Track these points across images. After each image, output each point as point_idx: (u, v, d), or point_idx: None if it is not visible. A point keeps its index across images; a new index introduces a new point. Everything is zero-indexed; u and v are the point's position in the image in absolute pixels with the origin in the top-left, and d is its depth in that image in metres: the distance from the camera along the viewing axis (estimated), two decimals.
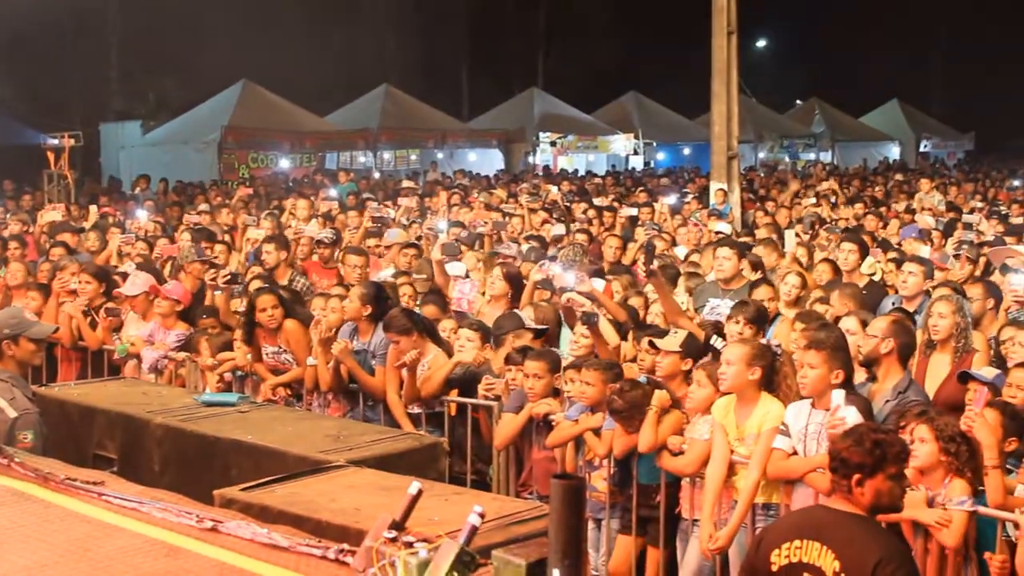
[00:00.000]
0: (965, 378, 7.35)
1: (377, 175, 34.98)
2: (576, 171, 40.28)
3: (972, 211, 20.02)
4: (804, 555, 4.75)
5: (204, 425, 7.10)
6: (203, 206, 20.58)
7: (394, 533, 3.72)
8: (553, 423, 7.99)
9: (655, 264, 10.84)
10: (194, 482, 5.99)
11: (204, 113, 35.31)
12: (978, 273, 11.98)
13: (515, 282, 10.82)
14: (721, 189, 20.83)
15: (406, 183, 29.30)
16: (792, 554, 4.78)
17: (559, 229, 15.28)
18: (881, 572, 4.57)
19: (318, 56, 41.79)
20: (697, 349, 8.08)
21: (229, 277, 11.10)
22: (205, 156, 33.09)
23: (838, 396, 6.55)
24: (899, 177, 32.50)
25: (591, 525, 7.75)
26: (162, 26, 39.36)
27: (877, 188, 28.34)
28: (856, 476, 4.74)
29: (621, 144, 43.77)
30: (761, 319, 8.83)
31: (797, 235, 13.80)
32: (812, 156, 48.53)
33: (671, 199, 20.78)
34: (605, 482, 7.78)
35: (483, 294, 11.11)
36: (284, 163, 34.75)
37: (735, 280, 10.81)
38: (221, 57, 35.96)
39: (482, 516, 3.60)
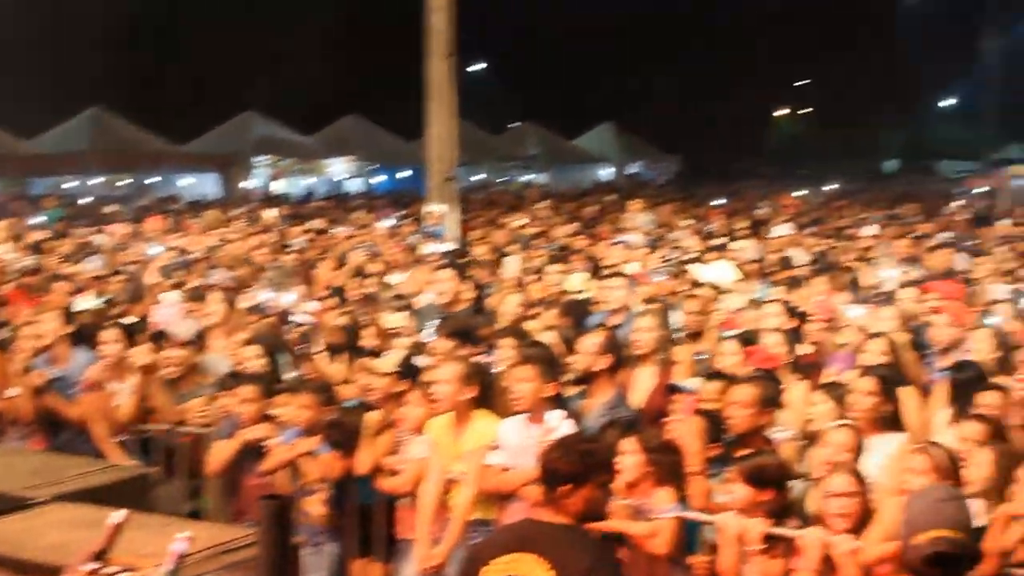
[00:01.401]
0: (672, 390, 7.66)
1: (88, 200, 33.77)
2: (298, 194, 40.00)
3: (679, 229, 20.90)
4: (518, 568, 4.77)
5: None
6: None
7: (95, 564, 3.60)
8: (267, 448, 7.90)
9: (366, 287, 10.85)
10: None
11: None
12: (685, 288, 12.47)
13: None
14: (435, 211, 21.00)
15: (114, 208, 28.41)
16: (506, 567, 4.81)
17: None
18: None
19: (23, 76, 40.06)
20: (414, 370, 8.14)
21: None
22: None
23: (554, 417, 6.72)
24: (611, 198, 33.53)
25: (310, 549, 7.66)
26: None
27: (589, 209, 29.13)
28: (566, 486, 4.80)
29: (340, 167, 43.66)
30: (465, 335, 8.91)
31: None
32: (528, 178, 49.58)
33: (388, 222, 20.89)
34: (322, 506, 7.73)
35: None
36: None
37: (455, 303, 10.89)
38: None
39: (189, 541, 3.53)
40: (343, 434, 7.42)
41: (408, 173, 47.04)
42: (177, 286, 12.46)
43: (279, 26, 53.53)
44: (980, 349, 8.60)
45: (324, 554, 7.75)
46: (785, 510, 6.20)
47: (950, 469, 6.08)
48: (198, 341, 9.41)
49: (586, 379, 7.91)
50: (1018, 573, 5.61)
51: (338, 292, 12.32)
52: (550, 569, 4.66)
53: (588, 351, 7.86)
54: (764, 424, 7.05)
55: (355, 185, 44.83)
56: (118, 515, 3.78)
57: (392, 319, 10.19)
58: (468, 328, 9.03)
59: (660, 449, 6.62)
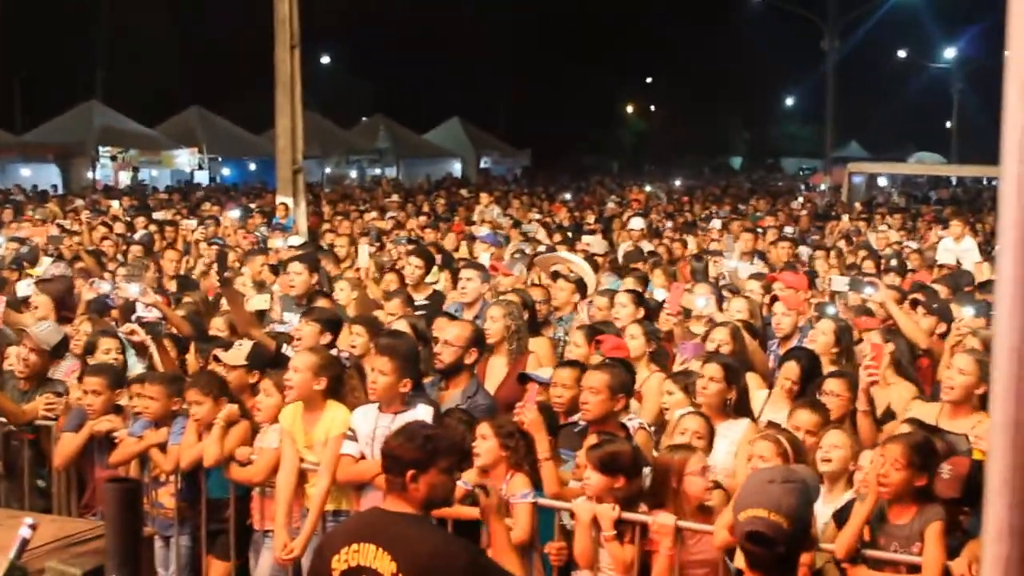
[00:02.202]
0: (524, 379, 7.73)
1: None
2: (142, 184, 39.26)
3: (531, 222, 21.11)
4: (362, 558, 4.74)
5: None
6: None
7: None
8: (116, 440, 7.77)
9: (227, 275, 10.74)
10: None
11: None
12: (536, 279, 12.61)
13: (59, 300, 10.47)
14: (284, 203, 20.85)
15: None
16: (351, 558, 4.76)
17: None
18: (435, 568, 4.66)
19: None
20: (264, 360, 8.08)
21: None
22: None
23: (422, 412, 6.74)
24: (464, 192, 33.76)
25: (159, 543, 7.56)
26: None
27: (440, 202, 29.25)
28: (410, 472, 4.78)
29: (185, 159, 42.99)
30: (332, 322, 8.88)
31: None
32: (378, 171, 49.48)
33: (236, 213, 20.65)
34: (173, 498, 7.64)
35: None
36: None
37: (306, 295, 10.81)
38: None
39: (33, 528, 3.48)
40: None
41: (254, 166, 46.68)
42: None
43: (122, 16, 52.44)
44: (820, 341, 8.84)
45: (175, 547, 7.67)
46: (638, 496, 6.32)
47: (794, 454, 6.29)
48: (59, 349, 9.14)
49: (450, 372, 7.92)
50: (867, 553, 5.83)
51: (185, 282, 12.17)
52: (391, 560, 4.65)
53: (456, 343, 7.88)
54: (617, 411, 7.16)
55: (203, 177, 44.19)
56: None
57: (255, 301, 10.06)
58: (333, 316, 9.00)
59: (514, 435, 6.68)
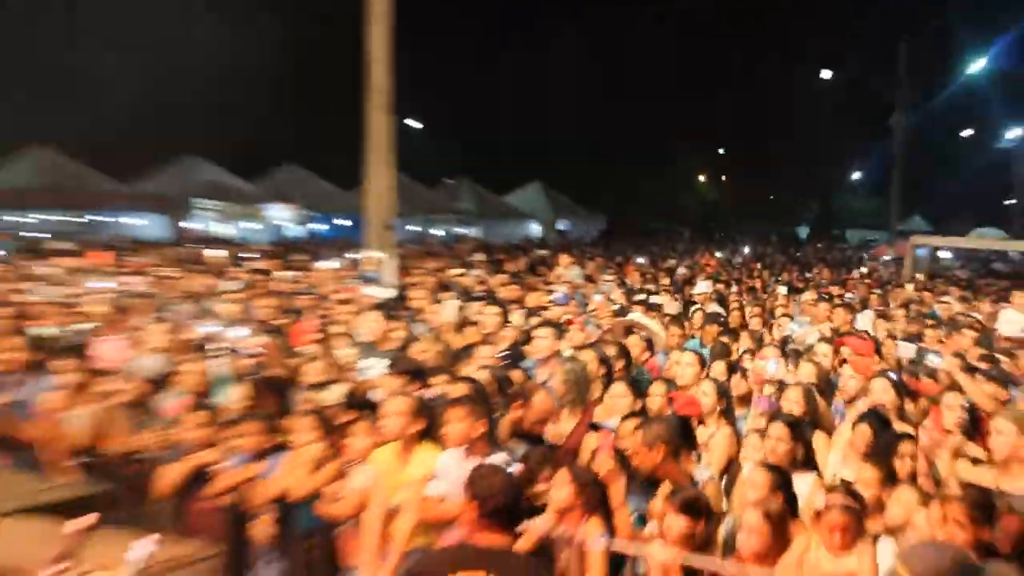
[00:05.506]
0: (594, 428, 7.84)
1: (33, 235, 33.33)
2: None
3: (605, 283, 21.17)
4: None
5: None
6: None
7: (63, 565, 3.66)
8: (214, 473, 7.90)
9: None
10: None
11: None
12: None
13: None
14: (373, 257, 20.98)
15: (64, 243, 28.15)
16: None
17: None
18: None
19: None
20: (360, 401, 8.21)
21: None
22: None
23: (499, 460, 6.82)
24: (543, 252, 33.93)
25: (262, 563, 7.66)
26: None
27: (519, 262, 29.38)
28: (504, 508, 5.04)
29: (279, 213, 43.44)
30: (417, 372, 9.03)
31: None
32: (461, 231, 49.87)
33: (331, 264, 20.84)
34: (271, 526, 7.71)
35: None
36: None
37: (385, 342, 11.03)
38: None
39: (160, 543, 3.61)
40: None
41: (347, 222, 47.21)
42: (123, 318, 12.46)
43: (218, 73, 52.77)
44: (887, 399, 8.87)
45: (275, 569, 7.77)
46: (711, 542, 6.34)
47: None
48: (162, 381, 9.37)
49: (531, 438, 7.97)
50: None
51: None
52: None
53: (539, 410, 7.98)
54: (676, 464, 7.20)
55: (294, 232, 44.78)
56: (82, 521, 3.83)
57: (343, 354, 10.21)
58: (418, 367, 9.13)
59: (590, 484, 6.75)
